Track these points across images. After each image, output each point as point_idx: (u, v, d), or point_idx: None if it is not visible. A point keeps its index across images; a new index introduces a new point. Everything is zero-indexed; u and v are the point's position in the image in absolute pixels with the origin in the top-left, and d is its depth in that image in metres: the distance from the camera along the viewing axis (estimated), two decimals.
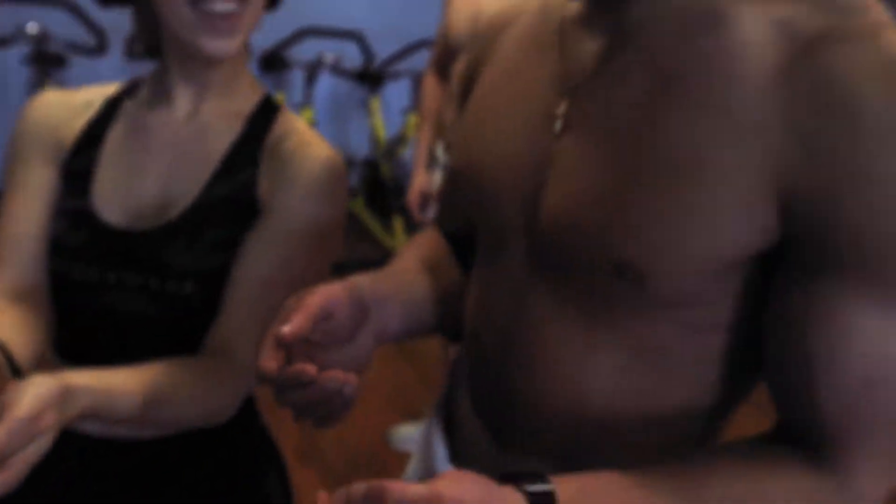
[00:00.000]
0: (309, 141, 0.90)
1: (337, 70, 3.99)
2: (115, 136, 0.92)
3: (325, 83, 4.38)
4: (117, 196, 0.89)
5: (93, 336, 0.89)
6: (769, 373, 0.60)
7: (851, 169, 0.50)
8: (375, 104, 4.18)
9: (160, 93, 0.92)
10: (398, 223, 4.13)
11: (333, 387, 0.57)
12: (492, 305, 0.71)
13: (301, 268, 0.86)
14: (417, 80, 4.15)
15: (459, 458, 0.77)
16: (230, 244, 0.87)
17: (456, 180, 0.78)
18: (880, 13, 0.53)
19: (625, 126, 0.58)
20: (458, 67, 0.89)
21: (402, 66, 4.23)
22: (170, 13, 0.81)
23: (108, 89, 0.97)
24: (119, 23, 3.66)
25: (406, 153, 4.23)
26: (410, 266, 0.81)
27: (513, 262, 0.68)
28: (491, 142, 0.69)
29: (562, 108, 0.63)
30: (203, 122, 0.91)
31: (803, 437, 0.58)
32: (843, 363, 0.54)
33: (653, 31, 0.59)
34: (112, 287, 0.86)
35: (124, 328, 0.86)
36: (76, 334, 0.90)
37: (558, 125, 0.63)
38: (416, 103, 4.12)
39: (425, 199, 2.05)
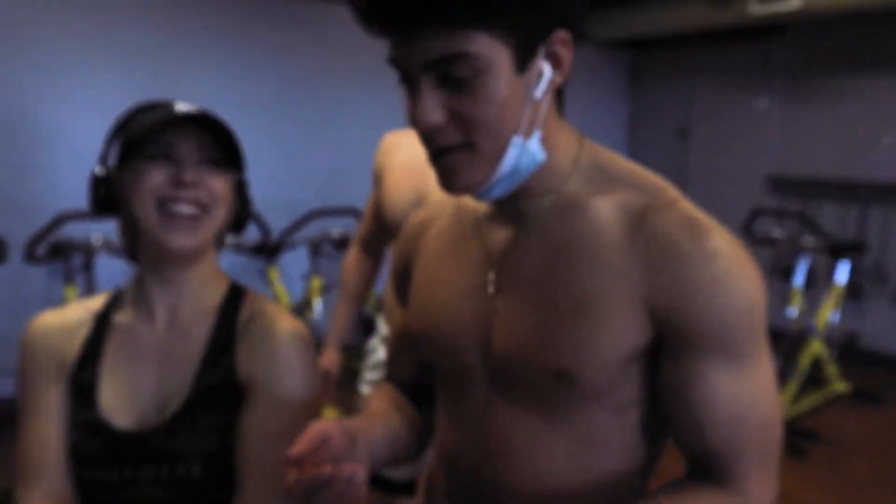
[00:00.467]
0: (275, 317, 1.06)
1: (238, 247, 4.15)
2: (110, 349, 1.04)
3: (225, 259, 4.53)
4: (121, 403, 1.00)
5: None
6: (672, 428, 0.86)
7: (683, 286, 0.79)
8: (274, 273, 4.34)
9: (141, 302, 1.05)
10: None
11: (346, 475, 0.75)
12: (464, 418, 0.94)
13: (295, 434, 0.98)
14: (313, 248, 4.37)
15: None
16: (227, 426, 1.00)
17: (409, 341, 1.05)
18: (672, 191, 0.86)
19: (539, 283, 0.85)
20: (394, 255, 1.11)
21: (297, 235, 4.46)
22: (142, 214, 0.99)
23: (94, 303, 1.09)
24: (15, 232, 3.81)
25: (314, 317, 4.37)
26: (384, 409, 1.02)
27: (476, 387, 0.93)
28: (441, 310, 0.95)
29: (491, 277, 0.91)
30: (182, 323, 1.04)
31: (706, 471, 0.85)
32: (714, 409, 0.81)
33: (541, 220, 0.87)
34: (129, 483, 0.96)
35: None
36: None
37: (491, 289, 0.91)
38: (315, 268, 4.32)
39: (326, 378, 1.90)
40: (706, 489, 0.84)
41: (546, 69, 0.80)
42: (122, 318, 1.07)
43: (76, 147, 4.26)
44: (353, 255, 1.97)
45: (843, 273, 4.45)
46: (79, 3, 4.24)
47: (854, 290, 5.26)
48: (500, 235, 0.91)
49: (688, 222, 0.81)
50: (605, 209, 0.84)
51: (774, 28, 5.72)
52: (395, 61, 0.79)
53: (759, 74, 6.06)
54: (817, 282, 4.95)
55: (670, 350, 0.83)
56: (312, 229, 4.62)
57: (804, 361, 4.24)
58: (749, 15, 5.22)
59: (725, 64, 6.31)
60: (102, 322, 1.07)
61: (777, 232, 4.63)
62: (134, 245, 1.07)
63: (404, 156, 1.75)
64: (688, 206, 0.84)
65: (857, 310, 5.35)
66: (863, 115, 5.33)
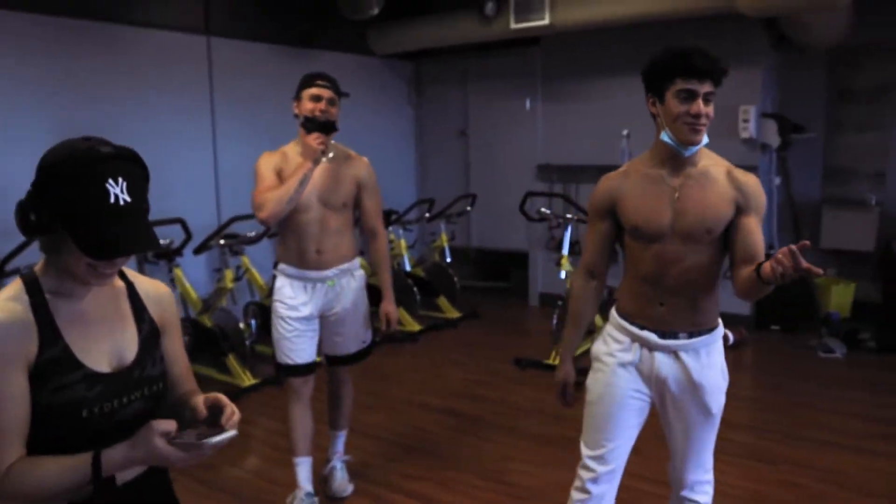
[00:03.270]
0: (148, 282, 1.58)
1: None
2: (64, 324, 1.39)
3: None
4: (96, 356, 1.42)
5: (111, 441, 1.36)
6: (734, 246, 2.13)
7: (752, 200, 2.13)
8: (178, 273, 5.09)
9: (68, 283, 1.40)
10: (233, 360, 4.86)
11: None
12: (660, 258, 2.17)
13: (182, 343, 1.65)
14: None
15: None
16: (162, 354, 1.54)
17: (609, 239, 2.31)
18: (725, 161, 2.22)
19: (695, 195, 2.12)
20: (598, 198, 2.26)
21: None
22: (73, 265, 1.35)
23: (17, 294, 1.38)
24: None
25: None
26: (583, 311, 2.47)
27: (670, 244, 2.15)
28: (650, 211, 2.15)
29: (676, 195, 2.14)
30: (106, 295, 1.48)
31: (749, 263, 2.04)
32: (760, 238, 2.12)
33: (692, 175, 2.15)
34: (126, 405, 1.42)
35: (134, 427, 1.37)
36: (98, 444, 1.36)
37: (676, 197, 2.14)
38: (224, 265, 5.14)
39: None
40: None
41: None
42: (54, 297, 1.40)
43: None
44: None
45: None
46: None
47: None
48: (674, 180, 2.14)
49: (743, 172, 2.16)
50: (718, 171, 2.15)
51: (533, 40, 6.74)
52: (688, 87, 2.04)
53: (523, 79, 7.06)
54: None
55: (740, 216, 2.11)
56: None
57: None
58: (510, 29, 6.16)
59: (495, 71, 7.27)
60: (41, 307, 1.38)
61: (546, 210, 5.58)
62: (51, 249, 1.40)
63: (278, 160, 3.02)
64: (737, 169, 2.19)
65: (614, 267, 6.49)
66: (609, 110, 6.46)
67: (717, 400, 2.20)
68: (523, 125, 7.12)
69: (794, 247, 1.70)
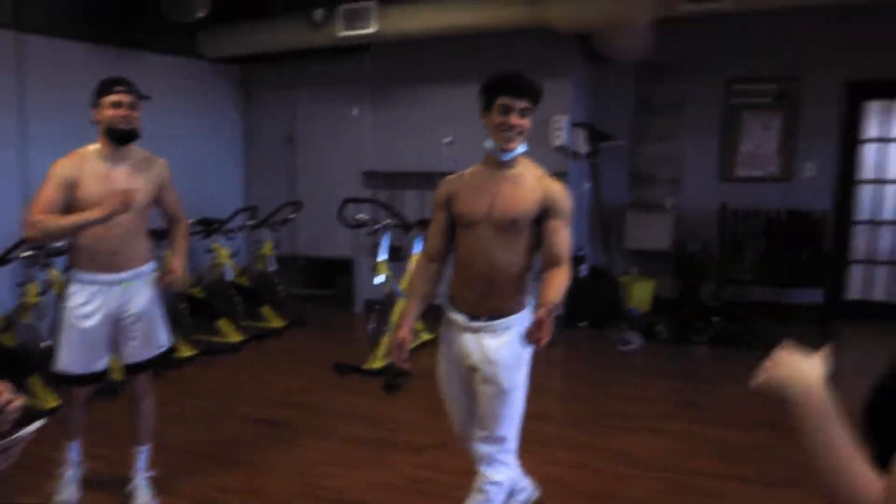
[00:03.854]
0: None
1: None
2: None
3: None
4: None
5: None
6: (541, 246, 2.52)
7: (556, 204, 2.49)
8: None
9: None
10: (35, 380, 4.57)
11: None
12: (476, 244, 2.53)
13: None
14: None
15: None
16: None
17: (447, 226, 2.65)
18: (543, 170, 2.59)
19: (508, 192, 2.51)
20: (440, 194, 2.64)
21: None
22: None
23: None
24: None
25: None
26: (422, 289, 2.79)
27: (483, 230, 2.51)
28: (473, 202, 2.54)
29: (494, 191, 2.52)
30: None
31: (553, 265, 2.48)
32: (563, 238, 2.50)
33: (508, 176, 2.52)
34: None
35: None
36: None
37: (494, 192, 2.51)
38: (27, 279, 4.80)
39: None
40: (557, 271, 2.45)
41: None
42: None
43: None
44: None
45: (418, 246, 5.72)
46: None
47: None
48: (495, 178, 2.51)
49: (551, 180, 2.54)
50: (528, 174, 2.52)
51: (361, 47, 6.83)
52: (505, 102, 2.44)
53: (352, 86, 7.16)
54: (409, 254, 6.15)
55: (544, 218, 2.48)
56: None
57: (394, 319, 5.36)
58: (338, 37, 6.24)
59: (324, 77, 7.31)
60: None
61: (364, 216, 5.70)
62: None
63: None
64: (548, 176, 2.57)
65: None
66: (434, 118, 6.69)
67: (509, 377, 2.55)
68: (351, 132, 7.21)
69: (538, 317, 2.21)
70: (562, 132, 6.31)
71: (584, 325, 6.50)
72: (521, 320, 2.55)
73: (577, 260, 6.53)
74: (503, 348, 2.54)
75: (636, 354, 5.81)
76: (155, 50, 6.54)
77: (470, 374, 2.60)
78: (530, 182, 2.52)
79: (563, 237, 2.50)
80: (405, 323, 2.66)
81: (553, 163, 5.50)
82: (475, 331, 2.57)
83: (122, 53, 6.17)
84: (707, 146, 6.77)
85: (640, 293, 6.67)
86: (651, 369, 5.43)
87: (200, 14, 5.76)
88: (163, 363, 3.34)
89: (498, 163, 2.54)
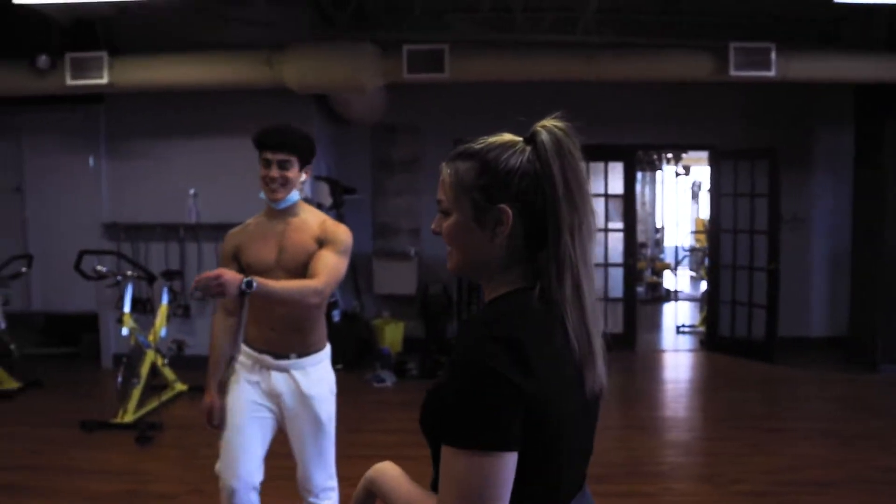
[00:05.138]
0: None
1: None
2: None
3: None
4: None
5: None
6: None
7: (328, 236, 2.61)
8: None
9: None
10: None
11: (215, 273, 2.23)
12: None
13: None
14: None
15: None
16: None
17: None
18: (324, 216, 2.73)
19: (294, 237, 2.60)
20: (227, 245, 2.68)
21: None
22: None
23: None
24: None
25: None
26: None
27: (276, 276, 2.55)
28: (258, 252, 2.63)
29: (281, 238, 2.61)
30: None
31: None
32: (326, 261, 2.63)
33: (292, 223, 2.63)
34: None
35: None
36: None
37: (281, 239, 2.61)
38: None
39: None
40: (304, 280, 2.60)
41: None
42: None
43: None
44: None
45: (165, 297, 5.63)
46: None
47: (185, 309, 6.55)
48: (280, 227, 2.62)
49: (334, 222, 2.68)
50: (312, 219, 2.63)
51: (96, 97, 6.59)
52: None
53: (86, 136, 6.84)
54: (156, 305, 5.98)
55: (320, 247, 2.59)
56: None
57: (144, 370, 5.20)
58: (66, 85, 5.98)
59: (55, 126, 6.92)
60: None
61: (103, 269, 5.48)
62: None
63: None
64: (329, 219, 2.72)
65: (186, 323, 6.64)
66: (175, 170, 6.62)
67: (325, 409, 2.66)
68: (86, 183, 6.87)
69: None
70: (305, 184, 6.57)
71: (339, 367, 6.71)
72: (327, 355, 2.73)
73: (330, 305, 6.80)
74: (317, 384, 2.65)
75: (388, 391, 6.16)
76: None
77: (280, 411, 2.65)
78: (313, 227, 2.62)
79: (326, 260, 2.54)
80: (211, 386, 2.68)
81: None
82: (283, 369, 2.63)
83: None
84: None
85: (392, 334, 7.08)
86: (400, 404, 5.79)
87: None
88: None
89: (278, 212, 2.63)
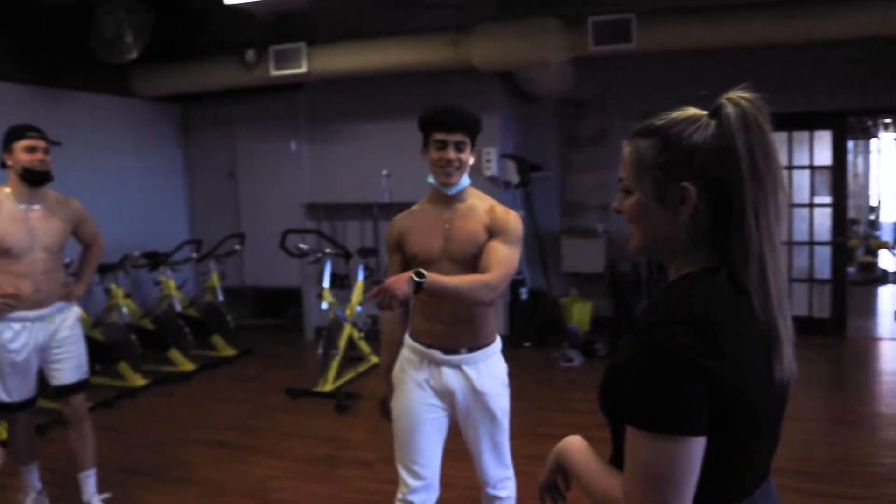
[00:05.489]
0: None
1: None
2: None
3: None
4: None
5: None
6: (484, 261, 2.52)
7: (498, 225, 2.44)
8: None
9: None
10: None
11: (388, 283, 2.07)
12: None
13: None
14: None
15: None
16: None
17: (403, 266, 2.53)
18: (492, 201, 2.56)
19: (461, 225, 2.46)
20: (392, 233, 2.59)
21: None
22: None
23: None
24: None
25: None
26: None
27: (443, 267, 2.41)
28: (427, 241, 2.50)
29: (447, 226, 2.48)
30: None
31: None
32: (498, 253, 2.50)
33: (459, 210, 2.49)
34: None
35: None
36: None
37: (447, 228, 2.48)
38: None
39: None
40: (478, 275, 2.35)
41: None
42: None
43: None
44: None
45: (361, 273, 5.89)
46: None
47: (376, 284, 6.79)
48: (446, 214, 2.48)
49: (504, 209, 2.49)
50: (480, 205, 2.47)
51: (296, 86, 7.04)
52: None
53: (288, 122, 7.34)
54: (352, 281, 6.29)
55: (490, 238, 2.42)
56: None
57: (342, 343, 5.48)
58: (270, 76, 6.43)
59: (261, 114, 7.47)
60: None
61: (305, 246, 5.84)
62: None
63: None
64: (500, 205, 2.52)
65: None
66: (370, 151, 6.90)
67: (499, 405, 2.52)
68: (290, 166, 7.37)
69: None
70: (492, 163, 6.60)
71: (527, 346, 6.72)
72: (498, 347, 2.58)
73: (517, 283, 6.79)
74: (488, 379, 2.51)
75: (576, 370, 6.05)
76: (88, 89, 6.57)
77: (454, 409, 2.53)
78: (481, 214, 2.46)
79: (498, 252, 2.38)
80: (384, 377, 2.65)
81: (485, 193, 5.74)
82: (454, 365, 2.50)
83: (56, 93, 6.20)
84: None
85: (579, 313, 6.94)
86: (588, 383, 5.65)
87: (133, 55, 5.87)
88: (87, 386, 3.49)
89: (445, 198, 2.49)
